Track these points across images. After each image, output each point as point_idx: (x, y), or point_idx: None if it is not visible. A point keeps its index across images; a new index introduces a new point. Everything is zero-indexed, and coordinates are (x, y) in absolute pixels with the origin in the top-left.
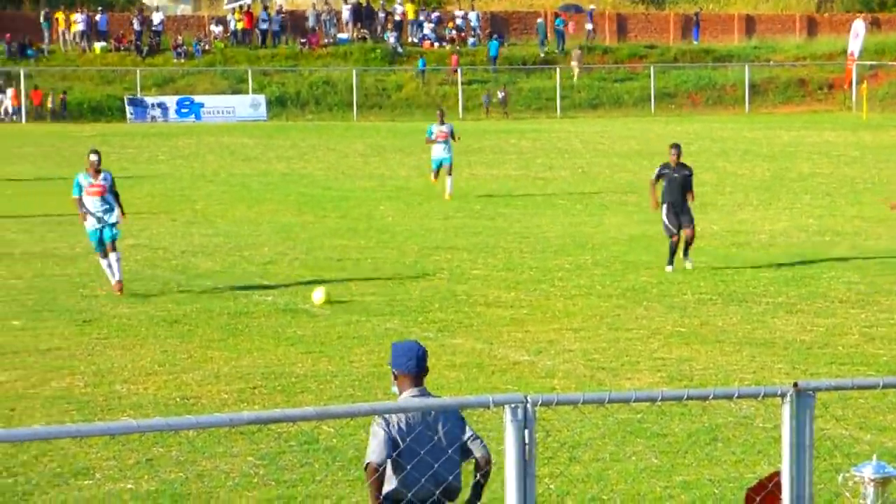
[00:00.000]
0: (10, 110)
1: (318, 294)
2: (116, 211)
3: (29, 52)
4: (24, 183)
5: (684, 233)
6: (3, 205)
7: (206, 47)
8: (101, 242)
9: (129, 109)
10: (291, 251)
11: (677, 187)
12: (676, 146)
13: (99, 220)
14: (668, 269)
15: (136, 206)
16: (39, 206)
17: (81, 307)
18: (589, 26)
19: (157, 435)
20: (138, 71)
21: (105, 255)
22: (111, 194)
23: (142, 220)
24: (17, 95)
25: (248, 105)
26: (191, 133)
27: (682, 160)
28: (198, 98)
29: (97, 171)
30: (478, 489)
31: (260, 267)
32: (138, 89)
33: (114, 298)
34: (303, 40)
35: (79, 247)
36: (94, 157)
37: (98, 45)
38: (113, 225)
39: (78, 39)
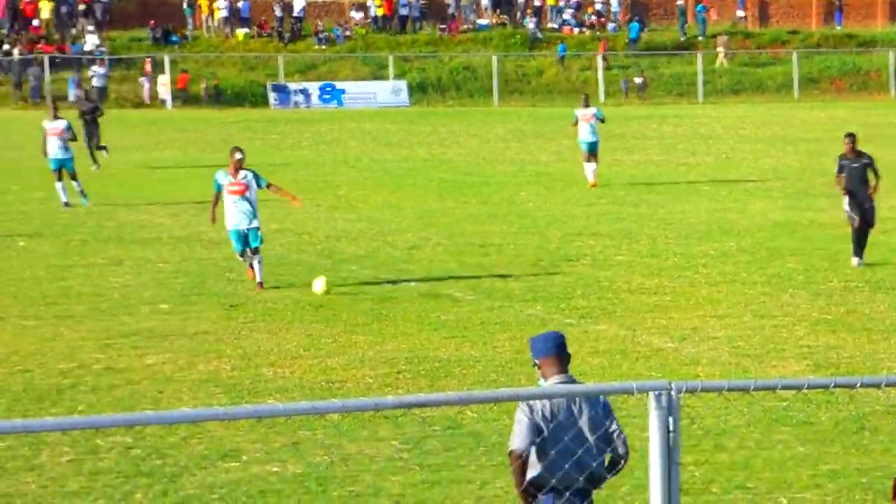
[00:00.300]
0: (165, 96)
1: (319, 284)
2: (256, 222)
3: (173, 38)
4: (170, 168)
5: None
6: (151, 190)
7: (348, 33)
8: (243, 244)
9: (272, 96)
10: (434, 236)
11: (856, 177)
12: (850, 135)
13: (240, 221)
14: (855, 262)
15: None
16: (186, 191)
17: (228, 291)
18: (741, 13)
19: (302, 418)
20: (280, 57)
21: (243, 255)
22: (254, 193)
23: (286, 205)
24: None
25: (389, 91)
26: (333, 119)
27: (858, 148)
28: (339, 84)
29: (237, 170)
30: (611, 469)
31: (403, 252)
32: (281, 76)
33: None
34: (442, 26)
35: (225, 231)
36: (238, 155)
37: (241, 32)
38: (256, 230)
39: (221, 26)
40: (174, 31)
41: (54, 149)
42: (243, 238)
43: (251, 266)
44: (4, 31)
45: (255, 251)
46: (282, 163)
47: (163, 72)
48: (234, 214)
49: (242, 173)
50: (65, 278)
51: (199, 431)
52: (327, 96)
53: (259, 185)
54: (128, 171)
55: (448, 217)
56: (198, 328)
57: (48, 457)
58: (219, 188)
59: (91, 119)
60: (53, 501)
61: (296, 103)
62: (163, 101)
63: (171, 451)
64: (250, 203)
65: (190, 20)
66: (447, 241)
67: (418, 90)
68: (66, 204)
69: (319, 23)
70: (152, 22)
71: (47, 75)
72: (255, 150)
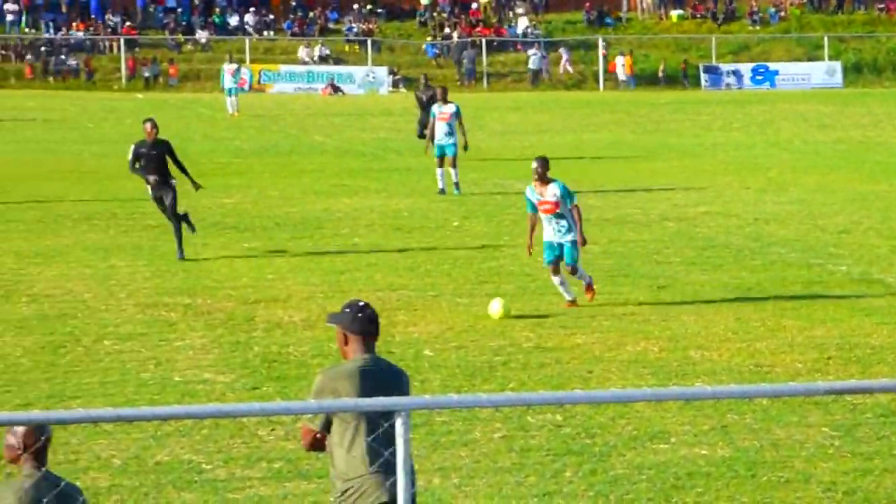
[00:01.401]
0: (625, 78)
1: (496, 306)
2: (575, 232)
3: (607, 20)
4: (600, 150)
5: None
6: (580, 171)
7: (782, 14)
8: (554, 255)
9: (703, 77)
10: (866, 220)
11: None
12: None
13: (554, 234)
14: None
15: (709, 173)
16: (614, 173)
17: (656, 273)
18: None
19: (731, 402)
20: (713, 38)
21: (556, 273)
22: (567, 208)
23: (714, 188)
24: (630, 64)
25: (823, 72)
26: (765, 100)
27: None
28: (772, 65)
29: (543, 182)
30: None
31: (833, 236)
32: (713, 57)
33: (688, 264)
34: (880, 5)
35: (653, 213)
36: (534, 164)
37: (674, 13)
38: (573, 244)
39: (655, 7)
40: (609, 13)
41: (440, 133)
42: (556, 249)
43: (567, 294)
44: (445, 15)
45: (573, 270)
46: (711, 144)
47: (596, 54)
48: (548, 230)
49: (550, 188)
50: (495, 258)
51: (628, 412)
52: (760, 77)
53: (571, 200)
54: (559, 153)
55: (881, 200)
56: (625, 309)
57: (481, 432)
58: (533, 209)
59: (428, 106)
60: (486, 476)
61: (727, 85)
62: (620, 82)
63: (599, 431)
64: (566, 219)
65: (625, 2)
66: (880, 224)
67: (853, 71)
68: (442, 191)
69: (754, 3)
70: (587, 4)
71: (484, 58)
72: (684, 132)
